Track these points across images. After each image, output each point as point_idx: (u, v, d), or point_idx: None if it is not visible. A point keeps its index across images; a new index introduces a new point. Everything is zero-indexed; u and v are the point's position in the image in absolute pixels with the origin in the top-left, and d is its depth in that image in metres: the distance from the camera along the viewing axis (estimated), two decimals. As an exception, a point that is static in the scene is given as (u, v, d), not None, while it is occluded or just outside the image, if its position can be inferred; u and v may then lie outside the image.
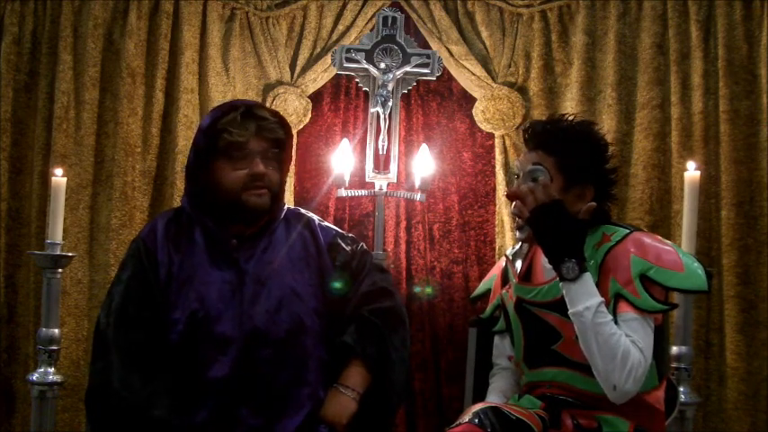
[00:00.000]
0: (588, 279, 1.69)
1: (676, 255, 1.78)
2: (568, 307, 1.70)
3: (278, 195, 1.89)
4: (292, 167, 3.14)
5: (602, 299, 1.69)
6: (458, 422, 1.68)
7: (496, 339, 2.09)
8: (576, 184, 1.82)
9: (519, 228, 1.85)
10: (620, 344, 1.65)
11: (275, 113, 1.89)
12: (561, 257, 1.69)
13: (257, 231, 1.89)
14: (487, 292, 2.14)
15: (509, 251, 2.07)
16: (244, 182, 1.81)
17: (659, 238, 1.85)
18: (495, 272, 2.14)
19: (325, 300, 1.91)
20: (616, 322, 1.70)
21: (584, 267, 1.69)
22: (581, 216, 1.77)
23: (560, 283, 1.71)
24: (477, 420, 1.65)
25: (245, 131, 1.81)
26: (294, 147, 3.00)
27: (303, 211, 2.03)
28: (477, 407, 1.71)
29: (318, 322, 1.88)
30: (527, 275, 1.96)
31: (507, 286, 1.99)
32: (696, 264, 1.78)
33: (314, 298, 1.89)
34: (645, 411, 1.78)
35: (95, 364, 1.80)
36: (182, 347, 1.79)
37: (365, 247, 2.04)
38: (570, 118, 1.89)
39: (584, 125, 1.89)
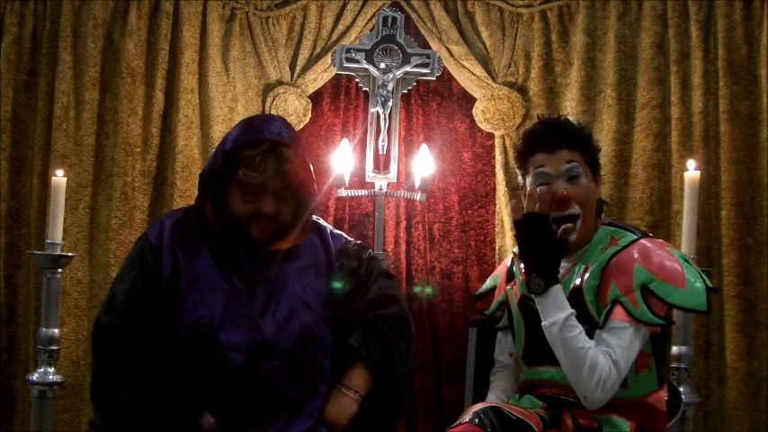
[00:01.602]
0: (556, 293, 1.72)
1: (681, 269, 1.74)
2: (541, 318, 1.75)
3: (287, 227, 1.82)
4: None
5: (572, 311, 1.72)
6: (458, 422, 1.68)
7: (500, 336, 2.09)
8: (596, 173, 1.88)
9: (564, 222, 1.80)
10: (587, 356, 1.68)
11: (300, 156, 1.80)
12: (530, 271, 1.75)
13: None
14: (492, 290, 2.14)
15: (517, 249, 2.08)
16: (250, 214, 1.77)
17: (666, 247, 1.81)
18: (500, 269, 2.15)
19: (333, 306, 1.89)
20: (605, 325, 1.72)
21: (552, 281, 1.72)
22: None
23: (532, 295, 1.76)
24: (477, 420, 1.65)
25: (261, 173, 1.73)
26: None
27: (314, 218, 2.00)
28: (478, 407, 1.71)
29: (328, 331, 1.86)
30: None
31: (512, 282, 2.00)
32: (699, 282, 1.73)
33: (322, 306, 1.86)
34: (646, 412, 1.78)
35: (104, 366, 1.76)
36: (184, 353, 1.76)
37: (372, 253, 2.02)
38: (560, 116, 1.95)
39: (575, 121, 1.96)
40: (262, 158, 1.73)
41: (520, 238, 1.78)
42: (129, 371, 1.73)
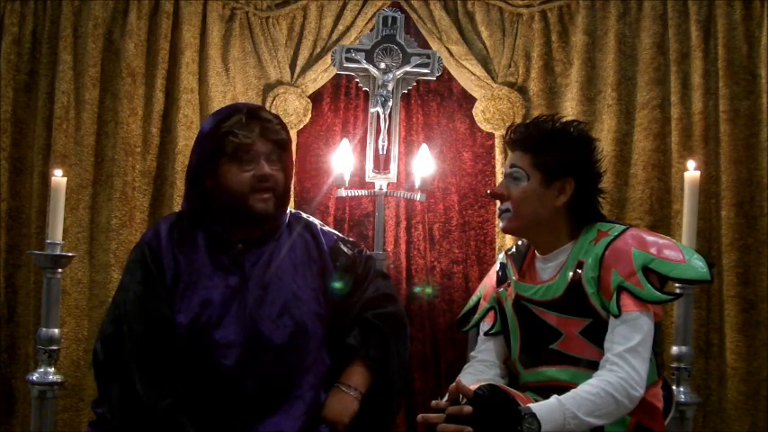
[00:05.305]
0: (546, 419, 1.59)
1: (676, 247, 1.82)
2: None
3: (283, 198, 1.89)
4: (293, 168, 3.15)
5: (558, 403, 1.63)
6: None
7: (480, 337, 2.07)
8: (555, 179, 1.85)
9: (500, 214, 1.92)
10: (603, 403, 1.65)
11: (276, 116, 1.91)
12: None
13: (262, 236, 1.89)
14: (474, 308, 2.13)
15: (511, 250, 2.08)
16: (251, 184, 1.81)
17: (655, 233, 1.90)
18: (485, 282, 2.15)
19: (327, 303, 1.91)
20: (618, 313, 1.71)
21: (535, 424, 1.58)
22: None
23: None
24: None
25: (250, 133, 1.81)
26: (294, 147, 3.01)
27: (304, 215, 2.03)
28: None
29: (321, 326, 1.88)
30: (525, 275, 1.97)
31: (506, 284, 2.00)
32: (696, 255, 1.81)
33: (316, 302, 1.89)
34: (645, 407, 1.79)
35: (112, 376, 1.76)
36: (185, 352, 1.78)
37: (367, 251, 2.04)
38: (554, 119, 1.93)
39: (563, 123, 1.92)
40: (245, 121, 1.82)
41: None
42: (151, 382, 1.73)
